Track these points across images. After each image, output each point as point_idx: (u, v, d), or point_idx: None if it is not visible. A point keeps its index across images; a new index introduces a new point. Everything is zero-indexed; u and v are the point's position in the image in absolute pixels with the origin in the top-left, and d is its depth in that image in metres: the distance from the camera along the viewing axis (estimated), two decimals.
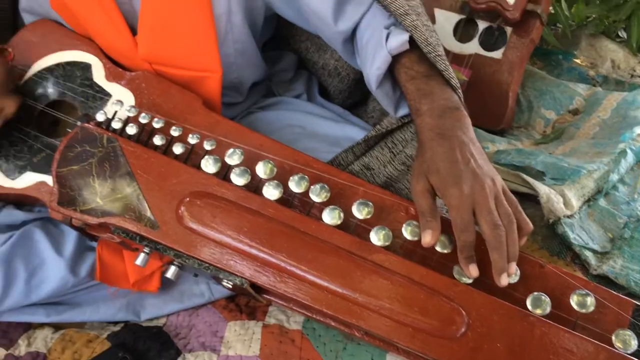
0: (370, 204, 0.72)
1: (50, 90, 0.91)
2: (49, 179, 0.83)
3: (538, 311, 0.66)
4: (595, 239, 1.03)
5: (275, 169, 0.75)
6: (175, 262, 0.76)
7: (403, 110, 0.83)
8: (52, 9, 0.90)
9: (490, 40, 1.35)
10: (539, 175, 1.11)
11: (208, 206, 0.74)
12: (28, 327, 0.87)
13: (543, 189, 1.04)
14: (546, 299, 0.67)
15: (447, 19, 1.38)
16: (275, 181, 0.74)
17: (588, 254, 0.99)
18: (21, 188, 0.85)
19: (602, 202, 1.11)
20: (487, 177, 0.67)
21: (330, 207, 0.72)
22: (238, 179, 0.75)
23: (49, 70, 0.92)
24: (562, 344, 0.64)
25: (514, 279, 0.70)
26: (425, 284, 0.67)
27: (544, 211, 1.03)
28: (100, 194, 0.76)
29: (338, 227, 0.72)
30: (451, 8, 1.38)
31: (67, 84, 0.90)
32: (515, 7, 1.27)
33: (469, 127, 0.72)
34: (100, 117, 0.82)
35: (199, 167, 0.77)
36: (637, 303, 0.71)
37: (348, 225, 0.73)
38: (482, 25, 1.36)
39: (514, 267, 0.66)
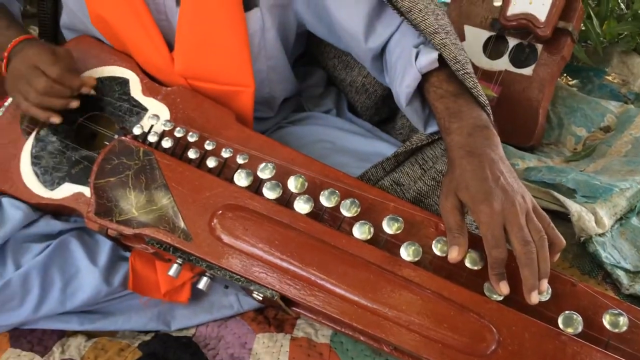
0: (401, 219, 0.73)
1: (90, 103, 0.93)
2: (86, 190, 0.86)
3: (570, 330, 0.66)
4: (627, 258, 1.01)
5: (306, 184, 0.76)
6: (207, 274, 0.77)
7: (432, 127, 0.84)
8: (92, 25, 0.93)
9: (520, 57, 1.35)
10: (570, 193, 1.10)
11: (240, 219, 0.75)
12: (62, 335, 0.89)
13: (574, 207, 1.03)
14: (578, 317, 0.66)
15: (477, 36, 1.38)
16: (306, 195, 0.75)
17: (620, 273, 0.98)
18: (59, 199, 0.87)
19: (634, 220, 1.09)
20: (517, 194, 0.67)
21: (361, 222, 0.73)
22: (270, 192, 0.76)
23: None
24: None
25: (545, 297, 0.69)
26: (455, 300, 0.67)
27: (575, 229, 1.02)
28: (135, 206, 0.78)
29: (368, 241, 0.72)
30: (481, 25, 1.38)
31: (106, 98, 0.93)
32: (546, 25, 1.27)
33: (498, 145, 0.73)
34: (136, 130, 0.85)
35: (231, 181, 0.78)
36: None
37: (378, 240, 0.73)
38: (512, 42, 1.36)
39: (545, 284, 0.66)
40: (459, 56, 0.77)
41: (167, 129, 0.85)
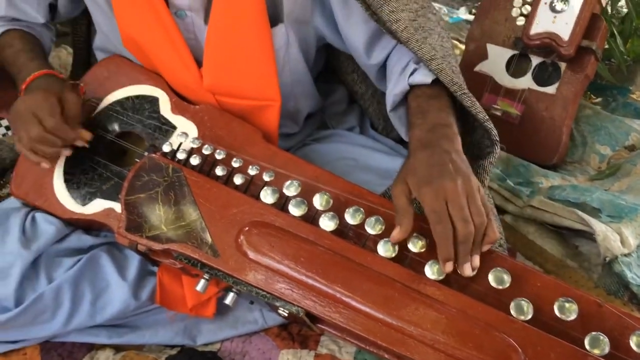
0: (425, 237, 0.73)
1: (121, 121, 0.96)
2: (116, 206, 0.88)
3: (596, 351, 0.65)
4: None
5: (331, 201, 0.77)
6: (233, 289, 0.78)
7: None
8: (123, 46, 0.96)
9: (543, 76, 1.35)
10: (595, 212, 1.09)
11: (266, 236, 0.76)
12: (91, 348, 0.90)
13: (599, 227, 1.02)
14: (605, 338, 0.66)
15: (499, 54, 1.39)
16: (331, 213, 0.77)
17: None
18: (91, 214, 0.90)
19: None
20: (460, 176, 0.70)
21: (385, 239, 0.74)
22: (295, 209, 0.77)
23: (120, 103, 0.98)
24: None
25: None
26: (480, 319, 0.68)
27: (600, 249, 1.02)
28: (165, 221, 0.80)
29: (393, 259, 0.73)
30: (504, 44, 1.39)
31: (136, 116, 0.96)
32: (569, 43, 1.27)
33: (455, 141, 0.76)
34: (166, 148, 0.87)
35: (258, 198, 0.80)
36: None
37: (403, 258, 0.74)
38: (535, 60, 1.36)
39: (477, 260, 0.70)
40: (455, 79, 0.82)
41: (195, 146, 0.87)
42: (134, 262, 0.90)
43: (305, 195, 0.79)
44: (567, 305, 0.68)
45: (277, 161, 0.86)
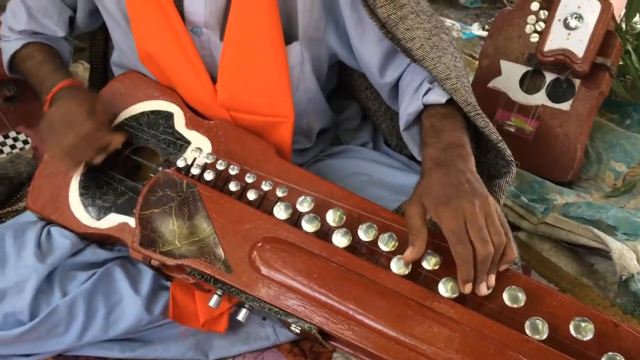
0: (439, 254, 0.73)
1: (136, 136, 0.97)
2: (131, 221, 0.89)
3: None
4: None
5: (344, 217, 0.77)
6: (245, 305, 0.78)
7: None
8: (140, 62, 0.97)
9: (557, 92, 1.35)
10: (611, 230, 1.08)
11: (279, 252, 0.76)
12: None
13: (615, 245, 1.01)
14: (621, 359, 0.65)
15: (513, 71, 1.39)
16: (344, 229, 0.77)
17: None
18: (105, 228, 0.90)
19: None
20: (477, 197, 0.70)
21: (398, 256, 0.74)
22: (308, 225, 0.77)
23: (135, 118, 0.99)
24: None
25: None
26: (495, 338, 0.67)
27: (616, 267, 1.00)
28: (178, 237, 0.80)
29: (406, 277, 0.73)
30: (517, 60, 1.39)
31: (151, 131, 0.97)
32: (584, 60, 1.26)
33: (469, 160, 0.76)
34: (180, 163, 0.88)
35: (271, 213, 0.80)
36: None
37: (416, 275, 0.74)
38: (549, 77, 1.35)
39: (492, 279, 0.70)
40: (469, 99, 0.82)
41: (209, 161, 0.87)
42: (147, 276, 0.90)
43: (319, 211, 0.79)
44: (583, 324, 0.67)
45: (291, 177, 0.87)
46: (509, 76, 1.39)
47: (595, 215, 1.11)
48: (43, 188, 0.96)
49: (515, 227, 1.17)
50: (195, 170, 0.87)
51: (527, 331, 0.68)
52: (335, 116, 1.14)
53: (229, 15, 0.87)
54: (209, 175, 0.86)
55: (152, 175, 0.89)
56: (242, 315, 0.78)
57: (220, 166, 0.87)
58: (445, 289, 0.71)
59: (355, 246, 0.78)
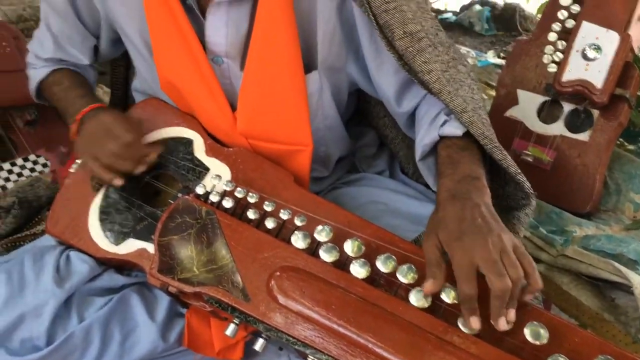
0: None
1: (156, 163, 0.98)
2: (149, 247, 0.89)
3: None
4: None
5: (362, 247, 0.77)
6: (262, 335, 0.78)
7: None
8: (161, 89, 0.99)
9: (576, 123, 1.34)
10: (632, 264, 1.06)
11: (297, 281, 0.76)
12: None
13: (637, 279, 0.99)
14: None
15: (530, 100, 1.39)
16: (363, 259, 0.76)
17: None
18: (124, 254, 0.90)
19: None
20: (492, 233, 0.69)
21: (417, 289, 0.73)
22: (326, 255, 0.77)
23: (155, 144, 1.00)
24: None
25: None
26: None
27: (638, 302, 0.98)
28: (197, 264, 0.80)
29: (426, 310, 0.72)
30: (535, 89, 1.39)
31: (171, 157, 0.98)
32: (602, 91, 1.26)
33: (485, 193, 0.76)
34: (199, 190, 0.88)
35: (289, 242, 0.80)
36: None
37: (436, 308, 0.73)
38: (567, 107, 1.35)
39: (512, 314, 0.68)
40: (486, 132, 0.82)
41: (228, 189, 0.88)
42: (163, 302, 0.90)
43: (337, 240, 0.79)
44: None
45: (309, 205, 0.87)
46: (527, 105, 1.39)
47: (616, 249, 1.10)
48: (63, 212, 0.97)
49: (534, 259, 1.15)
50: (214, 198, 0.87)
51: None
52: (353, 143, 1.14)
53: (249, 44, 0.88)
54: (227, 203, 0.86)
55: (172, 202, 0.89)
56: (259, 345, 0.78)
57: (239, 194, 0.87)
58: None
59: (374, 277, 0.77)
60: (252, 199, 0.86)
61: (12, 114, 1.35)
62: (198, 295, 0.80)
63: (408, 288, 0.73)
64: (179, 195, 0.92)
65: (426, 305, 0.72)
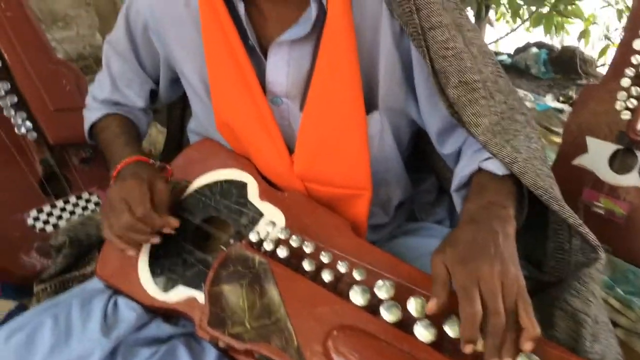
0: (536, 357, 0.64)
1: (208, 206, 0.95)
2: (199, 295, 0.85)
3: None
4: None
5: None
6: None
7: None
8: (216, 131, 0.96)
9: None
10: None
11: (357, 343, 0.70)
12: None
13: None
14: None
15: (601, 149, 1.30)
16: (428, 321, 0.69)
17: None
18: (173, 303, 0.86)
19: None
20: (499, 261, 0.65)
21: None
22: (388, 314, 0.71)
23: (209, 187, 0.97)
24: None
25: None
26: None
27: None
28: (248, 318, 0.76)
29: None
30: (606, 138, 1.30)
31: (224, 200, 0.94)
32: None
33: (508, 224, 0.71)
34: (253, 237, 0.84)
35: (347, 297, 0.74)
36: None
37: None
38: None
39: None
40: (540, 182, 0.78)
41: (282, 237, 0.83)
42: (211, 355, 0.84)
43: (399, 297, 0.72)
44: None
45: (368, 257, 0.81)
46: (597, 154, 1.31)
47: None
48: (113, 255, 0.94)
49: (612, 323, 1.06)
50: (268, 246, 0.83)
51: None
52: (412, 189, 1.08)
53: (310, 85, 0.85)
54: (282, 252, 0.81)
55: (223, 248, 0.86)
56: None
57: (294, 242, 0.83)
58: None
59: (441, 342, 0.70)
60: (307, 248, 0.81)
61: (67, 151, 1.36)
62: (249, 353, 0.75)
63: (477, 355, 0.66)
64: (231, 241, 0.88)
65: None
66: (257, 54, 0.87)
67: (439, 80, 0.82)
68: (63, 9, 2.83)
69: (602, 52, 2.73)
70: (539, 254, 0.89)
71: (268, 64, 0.86)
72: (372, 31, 0.84)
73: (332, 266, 0.78)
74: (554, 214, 0.81)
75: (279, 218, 0.89)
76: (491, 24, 3.57)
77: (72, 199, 1.34)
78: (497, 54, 3.44)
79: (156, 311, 0.89)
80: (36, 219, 1.28)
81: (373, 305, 0.74)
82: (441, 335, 0.69)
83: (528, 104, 2.25)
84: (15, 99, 1.31)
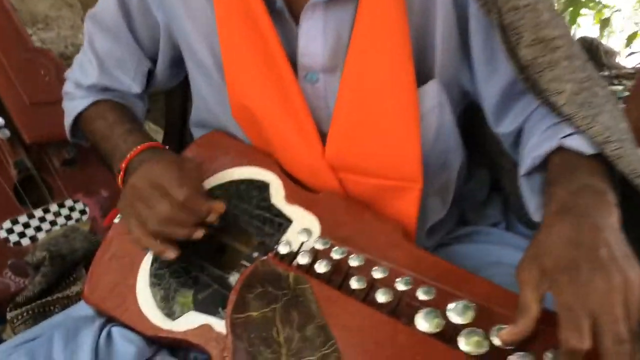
0: None
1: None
2: (215, 323, 0.67)
3: None
4: None
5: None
6: None
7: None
8: (230, 119, 0.79)
9: None
10: None
11: None
12: None
13: None
14: None
15: None
16: (525, 353, 0.53)
17: None
18: (182, 332, 0.69)
19: None
20: (621, 273, 0.49)
21: None
22: (469, 344, 0.54)
23: (222, 189, 0.80)
24: None
25: None
26: None
27: None
28: (286, 354, 0.58)
29: None
30: None
31: (242, 205, 0.77)
32: None
33: (612, 214, 0.56)
34: (283, 249, 0.67)
35: (413, 324, 0.57)
36: None
37: None
38: None
39: None
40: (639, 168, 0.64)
41: (320, 247, 0.66)
42: None
43: (480, 323, 0.56)
44: None
45: (432, 271, 0.64)
46: None
47: None
48: (104, 274, 0.77)
49: None
50: (303, 259, 0.65)
51: None
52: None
53: (348, 51, 0.69)
54: (321, 267, 0.64)
55: (245, 263, 0.69)
56: None
57: (336, 254, 0.66)
58: None
59: None
60: (354, 262, 0.64)
61: (47, 152, 1.18)
62: None
63: None
64: (255, 254, 0.71)
65: None
66: (286, 20, 0.70)
67: (508, 38, 0.66)
68: (43, 10, 2.68)
69: (631, 39, 2.58)
70: None
71: (300, 32, 0.70)
72: None
73: (388, 283, 0.61)
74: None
75: (313, 224, 0.72)
76: None
77: (53, 208, 1.15)
78: None
79: (160, 342, 0.71)
80: (10, 231, 1.09)
81: (446, 334, 0.57)
82: None
83: None
84: None
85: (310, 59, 0.70)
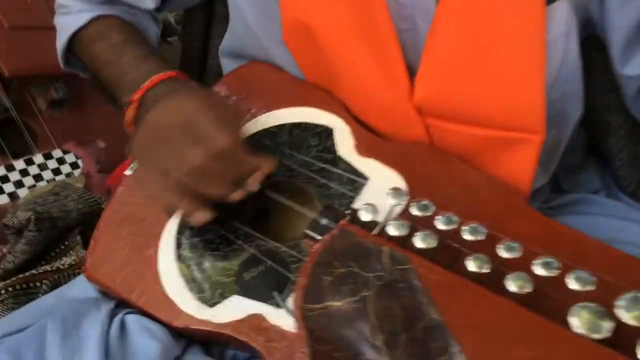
0: None
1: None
2: (269, 312, 0.49)
3: None
4: None
5: None
6: None
7: None
8: (282, 42, 0.61)
9: None
10: None
11: None
12: None
13: None
14: None
15: None
16: None
17: None
18: (222, 324, 0.50)
19: None
20: None
21: None
22: None
23: (271, 135, 0.61)
24: None
25: None
26: None
27: None
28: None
29: None
30: None
31: (298, 156, 0.59)
32: None
33: None
34: (365, 214, 0.49)
35: (565, 323, 0.40)
36: None
37: None
38: None
39: None
40: None
41: (419, 214, 0.49)
42: None
43: None
44: None
45: (568, 247, 0.47)
46: None
47: None
48: (112, 243, 0.58)
49: None
50: (396, 230, 0.48)
51: None
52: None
53: None
54: (424, 241, 0.47)
55: (310, 233, 0.51)
56: None
57: (441, 224, 0.48)
58: None
59: None
60: (469, 234, 0.47)
61: (30, 90, 0.98)
62: None
63: None
64: (323, 222, 0.53)
65: None
66: None
67: None
68: None
69: None
70: None
71: None
72: None
73: (522, 266, 0.44)
74: None
75: (398, 183, 0.54)
76: None
77: (38, 159, 0.96)
78: None
79: (192, 335, 0.53)
80: None
81: (617, 339, 0.40)
82: None
83: None
84: None
85: None
